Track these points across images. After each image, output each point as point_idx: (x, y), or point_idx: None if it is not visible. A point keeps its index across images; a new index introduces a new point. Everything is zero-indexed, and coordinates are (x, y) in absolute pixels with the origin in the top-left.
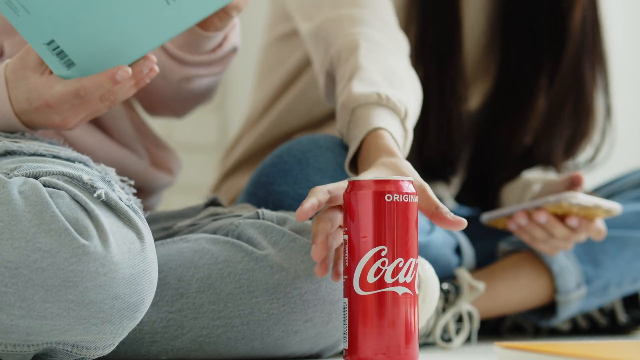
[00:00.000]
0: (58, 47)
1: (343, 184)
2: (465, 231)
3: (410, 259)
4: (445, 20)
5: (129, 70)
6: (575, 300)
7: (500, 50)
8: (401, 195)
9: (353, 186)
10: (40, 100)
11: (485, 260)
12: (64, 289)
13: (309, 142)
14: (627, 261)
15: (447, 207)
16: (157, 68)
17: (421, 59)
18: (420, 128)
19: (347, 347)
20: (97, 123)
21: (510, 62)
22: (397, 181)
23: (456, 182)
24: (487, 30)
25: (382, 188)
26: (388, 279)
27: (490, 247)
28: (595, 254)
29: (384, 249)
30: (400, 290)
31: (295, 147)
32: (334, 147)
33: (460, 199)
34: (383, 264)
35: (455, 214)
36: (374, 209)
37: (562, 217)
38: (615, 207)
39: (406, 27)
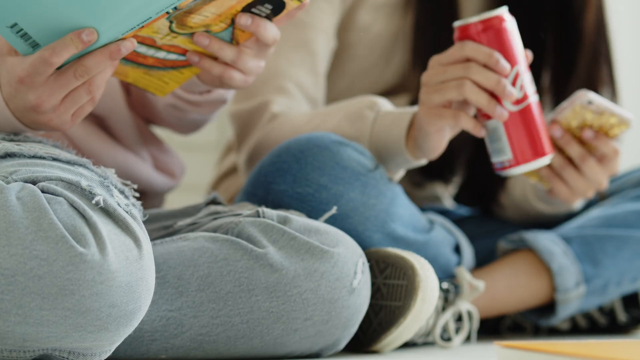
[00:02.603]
0: (22, 29)
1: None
2: (465, 230)
3: (528, 72)
4: (445, 22)
5: (95, 32)
6: (574, 299)
7: None
8: (509, 22)
9: (484, 25)
10: (15, 77)
11: (484, 259)
12: (60, 296)
13: (307, 141)
14: (626, 260)
15: (446, 206)
16: (133, 44)
17: (420, 61)
18: None
19: (511, 159)
20: (103, 126)
21: None
22: (501, 14)
23: (455, 182)
24: None
25: (498, 20)
26: (528, 90)
27: (489, 245)
28: (595, 253)
29: (519, 68)
30: (535, 98)
31: (294, 145)
32: (333, 145)
33: (459, 198)
34: (519, 80)
35: (455, 213)
36: (497, 38)
37: (579, 140)
38: (628, 116)
39: (404, 28)
